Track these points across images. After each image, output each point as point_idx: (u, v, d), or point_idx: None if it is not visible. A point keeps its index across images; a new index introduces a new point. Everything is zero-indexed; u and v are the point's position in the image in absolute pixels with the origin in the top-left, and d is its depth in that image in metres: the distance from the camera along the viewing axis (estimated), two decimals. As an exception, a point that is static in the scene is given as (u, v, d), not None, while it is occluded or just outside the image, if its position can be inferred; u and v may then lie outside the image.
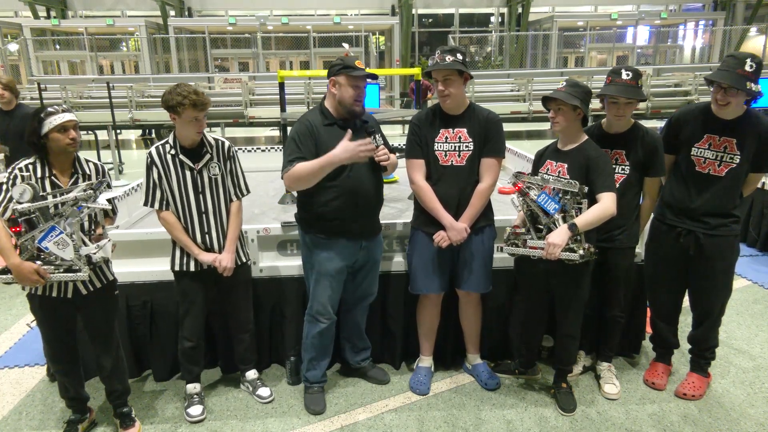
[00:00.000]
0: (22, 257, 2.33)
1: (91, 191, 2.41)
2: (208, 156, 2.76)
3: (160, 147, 2.74)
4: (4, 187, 2.36)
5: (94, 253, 2.41)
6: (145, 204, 2.77)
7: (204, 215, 2.78)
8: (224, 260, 2.78)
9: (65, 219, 2.36)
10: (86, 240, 2.44)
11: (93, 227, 2.53)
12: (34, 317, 2.61)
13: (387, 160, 2.74)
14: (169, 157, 2.72)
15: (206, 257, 2.77)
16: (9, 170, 2.41)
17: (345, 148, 2.56)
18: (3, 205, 2.35)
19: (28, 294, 2.51)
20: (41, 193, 2.36)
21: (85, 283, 2.53)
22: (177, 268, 2.83)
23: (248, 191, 2.93)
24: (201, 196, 2.76)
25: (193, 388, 2.99)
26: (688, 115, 2.87)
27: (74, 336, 2.67)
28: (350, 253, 2.82)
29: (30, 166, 2.43)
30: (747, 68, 2.58)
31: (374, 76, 2.81)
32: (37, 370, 3.41)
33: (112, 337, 2.71)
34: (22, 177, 2.39)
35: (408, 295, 3.12)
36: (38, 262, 2.34)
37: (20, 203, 2.29)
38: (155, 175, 2.72)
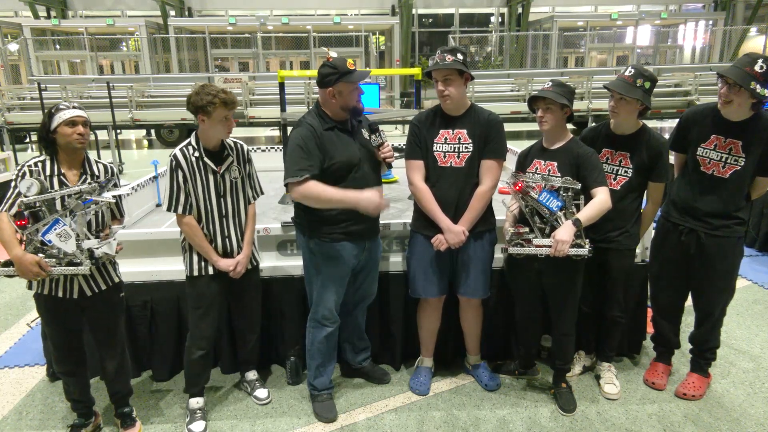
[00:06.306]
0: (26, 250, 2.34)
1: (96, 185, 2.41)
2: (230, 159, 2.72)
3: (184, 149, 2.66)
4: (13, 183, 2.38)
5: (97, 248, 2.41)
6: (168, 209, 2.64)
7: (224, 219, 2.74)
8: (239, 264, 2.76)
9: (71, 214, 2.37)
10: (89, 235, 2.44)
11: (101, 227, 2.53)
12: (40, 318, 2.62)
13: (392, 156, 2.77)
14: (193, 159, 2.65)
15: (224, 264, 2.72)
16: (18, 168, 2.42)
17: (376, 204, 2.59)
18: (11, 200, 2.37)
19: (35, 294, 2.51)
20: (49, 190, 2.37)
21: (89, 283, 2.52)
22: (195, 273, 2.73)
23: (262, 192, 2.92)
24: (222, 199, 2.71)
25: (196, 402, 2.89)
26: (697, 115, 2.86)
27: (80, 338, 2.65)
28: (355, 256, 2.80)
29: (39, 164, 2.44)
30: (756, 68, 2.54)
31: (368, 72, 2.87)
32: (37, 370, 3.41)
33: (116, 339, 2.70)
34: (31, 173, 2.39)
35: (408, 295, 3.11)
36: (41, 255, 2.34)
37: (26, 196, 2.30)
38: (180, 178, 2.63)
